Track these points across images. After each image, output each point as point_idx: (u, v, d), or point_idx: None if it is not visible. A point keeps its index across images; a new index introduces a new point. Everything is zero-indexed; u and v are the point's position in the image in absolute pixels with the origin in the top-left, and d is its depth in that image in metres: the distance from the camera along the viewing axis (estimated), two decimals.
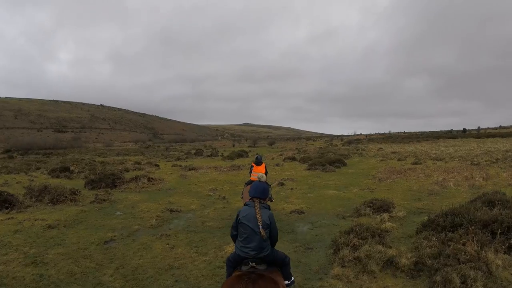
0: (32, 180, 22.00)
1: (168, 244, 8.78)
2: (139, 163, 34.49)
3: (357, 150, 49.79)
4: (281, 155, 44.36)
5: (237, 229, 4.72)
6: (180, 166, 30.89)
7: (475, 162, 25.85)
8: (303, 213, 12.02)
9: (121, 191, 17.31)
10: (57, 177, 24.02)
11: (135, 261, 7.67)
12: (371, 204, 11.38)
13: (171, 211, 12.62)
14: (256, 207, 4.64)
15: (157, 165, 32.53)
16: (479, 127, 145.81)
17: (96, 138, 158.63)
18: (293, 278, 5.10)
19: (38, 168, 33.16)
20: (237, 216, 4.73)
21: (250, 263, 4.46)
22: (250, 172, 12.38)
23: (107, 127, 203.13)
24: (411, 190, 16.08)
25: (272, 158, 39.95)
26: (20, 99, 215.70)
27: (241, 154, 45.31)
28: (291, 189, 17.32)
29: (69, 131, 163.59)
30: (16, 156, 61.63)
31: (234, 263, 4.64)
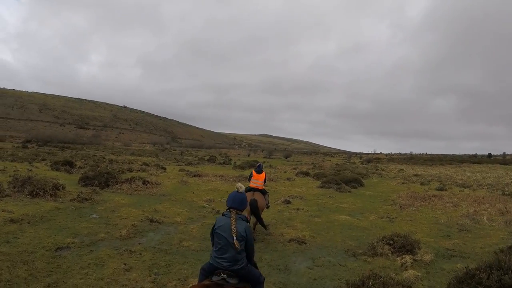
0: (30, 170, 22.26)
1: (125, 264, 7.41)
2: (147, 165, 33.27)
3: (376, 169, 47.01)
4: (294, 168, 41.95)
5: (213, 239, 4.64)
6: (187, 171, 29.30)
7: (507, 192, 23.31)
8: (305, 243, 9.78)
9: (112, 192, 16.56)
10: (57, 170, 23.90)
11: (75, 280, 6.50)
12: (391, 242, 9.00)
13: (151, 221, 11.25)
14: (232, 218, 4.55)
15: (163, 168, 31.24)
16: (504, 152, 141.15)
17: (116, 137, 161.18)
18: None
19: (43, 159, 33.38)
20: (213, 225, 4.67)
21: (222, 275, 4.38)
22: (249, 179, 11.48)
23: (128, 127, 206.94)
24: (438, 222, 13.73)
25: (285, 172, 37.70)
26: (46, 95, 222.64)
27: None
28: (297, 209, 15.04)
29: (90, 128, 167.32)
30: (31, 147, 62.62)
31: (207, 272, 4.53)
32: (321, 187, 23.55)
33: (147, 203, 14.45)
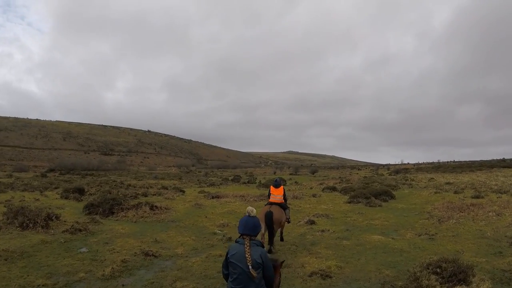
0: (37, 199, 21.15)
1: None
2: (166, 188, 31.92)
3: (406, 180, 44.54)
4: (321, 184, 39.91)
5: (228, 268, 4.34)
6: (207, 193, 27.79)
7: None
8: (330, 277, 7.97)
9: (116, 220, 15.25)
10: (66, 198, 22.81)
11: None
12: (438, 270, 7.13)
13: (147, 254, 9.76)
14: (246, 245, 4.24)
15: (182, 191, 29.63)
16: None
17: (141, 162, 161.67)
18: None
19: (56, 188, 32.18)
20: (227, 254, 4.36)
21: None
22: (269, 195, 11.42)
23: (153, 151, 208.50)
24: (484, 236, 11.83)
25: (311, 188, 35.73)
26: (70, 123, 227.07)
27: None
28: (322, 231, 13.17)
29: (115, 154, 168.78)
30: (52, 175, 62.52)
31: None
32: (349, 203, 21.71)
33: (150, 231, 13.11)
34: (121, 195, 20.08)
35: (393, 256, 9.64)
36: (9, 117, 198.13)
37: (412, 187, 33.62)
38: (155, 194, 26.17)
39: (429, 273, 7.10)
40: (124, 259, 9.16)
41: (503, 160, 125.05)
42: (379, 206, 20.23)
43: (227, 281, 4.43)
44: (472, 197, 22.41)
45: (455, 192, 26.66)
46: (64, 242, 10.98)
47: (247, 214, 4.55)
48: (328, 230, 13.23)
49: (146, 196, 24.69)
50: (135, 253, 9.84)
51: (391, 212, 17.92)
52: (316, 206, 20.42)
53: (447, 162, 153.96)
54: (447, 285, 6.84)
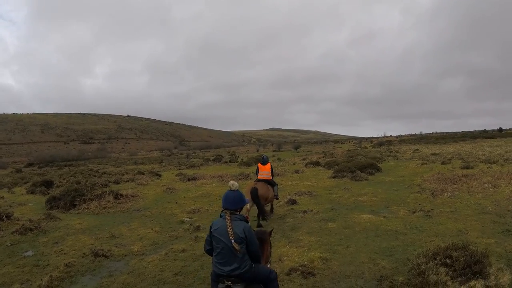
0: (2, 197, 19.08)
1: None
2: (142, 173, 30.23)
3: (390, 152, 43.46)
4: (304, 159, 38.67)
5: (211, 243, 4.29)
6: (184, 175, 26.16)
7: None
8: (314, 275, 6.39)
9: (77, 213, 13.84)
10: (33, 192, 20.97)
11: None
12: (448, 261, 5.65)
13: (96, 255, 8.24)
14: (227, 219, 4.18)
15: (158, 175, 28.36)
16: None
17: (122, 148, 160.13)
18: None
19: (27, 182, 30.03)
20: (210, 228, 4.33)
21: (226, 282, 4.10)
22: (257, 172, 11.72)
23: (134, 136, 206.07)
24: (485, 211, 10.50)
25: (294, 163, 34.37)
26: (47, 114, 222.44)
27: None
28: (304, 212, 11.65)
29: (95, 142, 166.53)
30: (30, 170, 60.60)
31: (213, 280, 4.29)
32: (334, 177, 20.41)
33: (111, 224, 11.68)
34: (89, 184, 18.16)
35: (388, 240, 8.18)
36: None
37: (397, 159, 32.55)
38: (128, 181, 24.72)
39: (437, 265, 5.67)
40: (69, 262, 7.60)
41: (485, 131, 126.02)
42: (365, 180, 18.95)
43: (211, 256, 4.39)
44: (462, 168, 21.33)
45: (443, 163, 25.66)
46: (11, 245, 9.53)
47: (229, 189, 4.42)
48: (311, 211, 11.74)
49: (118, 183, 23.28)
50: (84, 253, 8.39)
51: (379, 186, 16.59)
52: (298, 183, 19.10)
53: (430, 133, 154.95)
54: (459, 279, 5.41)
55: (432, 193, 13.64)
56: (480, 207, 11.04)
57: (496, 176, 16.72)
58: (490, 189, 13.78)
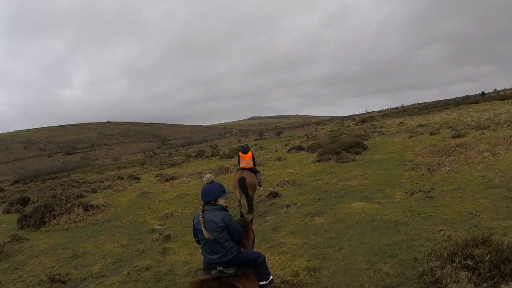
0: None
1: None
2: (122, 178, 28.74)
3: (375, 128, 42.30)
4: (286, 145, 37.05)
5: (197, 235, 4.50)
6: (162, 175, 24.80)
7: None
8: None
9: (46, 230, 12.89)
10: (8, 212, 19.83)
11: None
12: (469, 262, 4.30)
13: (53, 281, 7.39)
14: (200, 210, 4.39)
15: (137, 178, 27.04)
16: (495, 89, 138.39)
17: (106, 154, 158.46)
18: (271, 277, 4.64)
19: (5, 202, 28.61)
20: (193, 222, 4.54)
21: (218, 267, 4.30)
22: (238, 161, 11.55)
23: (116, 141, 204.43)
24: (492, 185, 9.19)
25: (276, 151, 32.77)
26: (28, 130, 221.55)
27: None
28: (287, 206, 10.26)
29: (78, 152, 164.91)
30: (12, 188, 59.15)
31: (206, 269, 4.52)
32: (318, 161, 19.04)
33: (77, 240, 10.79)
34: (63, 197, 17.01)
35: (388, 235, 6.77)
36: None
37: (383, 134, 31.21)
38: (105, 188, 23.56)
39: (455, 269, 4.29)
40: None
41: (467, 97, 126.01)
42: (352, 160, 17.61)
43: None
44: (453, 137, 20.23)
45: (431, 134, 24.48)
46: None
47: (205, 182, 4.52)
48: (295, 204, 10.35)
49: (95, 192, 22.15)
50: (41, 280, 7.56)
51: (368, 166, 15.22)
52: (281, 172, 17.75)
53: (412, 105, 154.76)
54: (485, 285, 4.10)
55: (429, 169, 12.26)
56: (485, 181, 9.76)
57: (492, 142, 15.51)
58: (490, 158, 12.55)
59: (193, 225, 4.48)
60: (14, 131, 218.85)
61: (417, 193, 9.52)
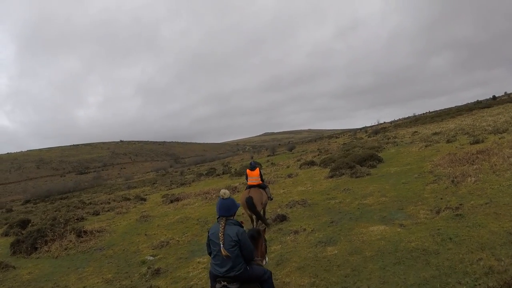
0: None
1: None
2: (128, 199, 27.95)
3: (388, 139, 40.84)
4: (298, 160, 35.97)
5: (210, 247, 4.53)
6: (169, 195, 23.91)
7: None
8: None
9: (37, 257, 12.26)
10: (7, 235, 19.00)
11: None
12: None
13: None
14: (221, 225, 4.41)
15: (143, 199, 26.18)
16: (505, 92, 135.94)
17: (118, 174, 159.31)
18: None
19: (6, 224, 28.06)
20: (208, 232, 4.60)
21: (222, 282, 4.31)
22: (246, 178, 11.80)
23: (129, 161, 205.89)
24: None
25: (287, 166, 31.65)
26: (41, 150, 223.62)
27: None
28: (295, 232, 8.99)
29: (91, 171, 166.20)
30: (21, 208, 59.46)
31: (211, 279, 4.51)
32: (331, 177, 17.82)
33: (63, 271, 10.01)
34: (62, 220, 16.33)
35: (415, 269, 5.52)
36: None
37: (397, 145, 29.83)
38: (108, 210, 22.58)
39: None
40: None
41: (479, 102, 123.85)
42: (367, 175, 16.37)
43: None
44: (471, 143, 19.07)
45: (448, 141, 23.26)
46: None
47: (221, 197, 4.58)
48: (304, 230, 9.08)
49: (97, 214, 21.18)
50: None
51: (385, 181, 14.00)
52: (291, 190, 16.57)
53: (423, 113, 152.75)
54: None
55: (452, 181, 10.97)
56: None
57: None
58: None
59: (208, 235, 4.53)
60: (27, 150, 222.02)
61: (443, 210, 8.27)
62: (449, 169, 13.23)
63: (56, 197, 76.66)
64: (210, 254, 4.59)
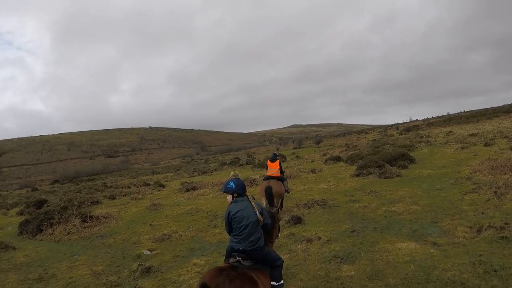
0: None
1: None
2: (148, 184, 27.74)
3: (421, 137, 38.58)
4: (324, 155, 34.60)
5: (231, 226, 4.64)
6: (187, 183, 23.11)
7: None
8: None
9: (40, 239, 12.30)
10: (22, 214, 19.32)
11: None
12: None
13: None
14: (250, 200, 4.66)
15: (162, 186, 25.68)
16: None
17: (146, 159, 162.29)
18: (282, 282, 4.74)
19: (25, 203, 28.21)
20: (228, 214, 4.64)
21: (237, 257, 4.43)
22: (266, 168, 12.10)
23: (157, 147, 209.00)
24: None
25: (312, 161, 30.34)
26: (72, 133, 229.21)
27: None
28: (309, 241, 7.81)
29: (120, 155, 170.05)
30: (44, 188, 60.76)
31: (228, 254, 4.64)
32: (357, 175, 16.57)
33: (58, 257, 9.79)
34: (76, 202, 16.03)
35: None
36: (13, 138, 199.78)
37: (431, 145, 28.08)
38: (125, 195, 22.19)
39: None
40: None
41: None
42: (397, 176, 15.05)
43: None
44: None
45: (486, 145, 21.55)
46: None
47: (234, 177, 4.90)
48: (319, 238, 7.88)
49: (113, 198, 20.91)
50: None
51: (417, 185, 12.64)
52: (312, 187, 15.42)
53: (458, 113, 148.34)
54: None
55: (495, 192, 9.54)
56: None
57: None
58: None
59: (229, 216, 4.58)
60: (59, 133, 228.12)
61: (486, 229, 6.95)
62: (489, 176, 11.88)
63: (84, 178, 79.36)
64: (229, 232, 4.74)
